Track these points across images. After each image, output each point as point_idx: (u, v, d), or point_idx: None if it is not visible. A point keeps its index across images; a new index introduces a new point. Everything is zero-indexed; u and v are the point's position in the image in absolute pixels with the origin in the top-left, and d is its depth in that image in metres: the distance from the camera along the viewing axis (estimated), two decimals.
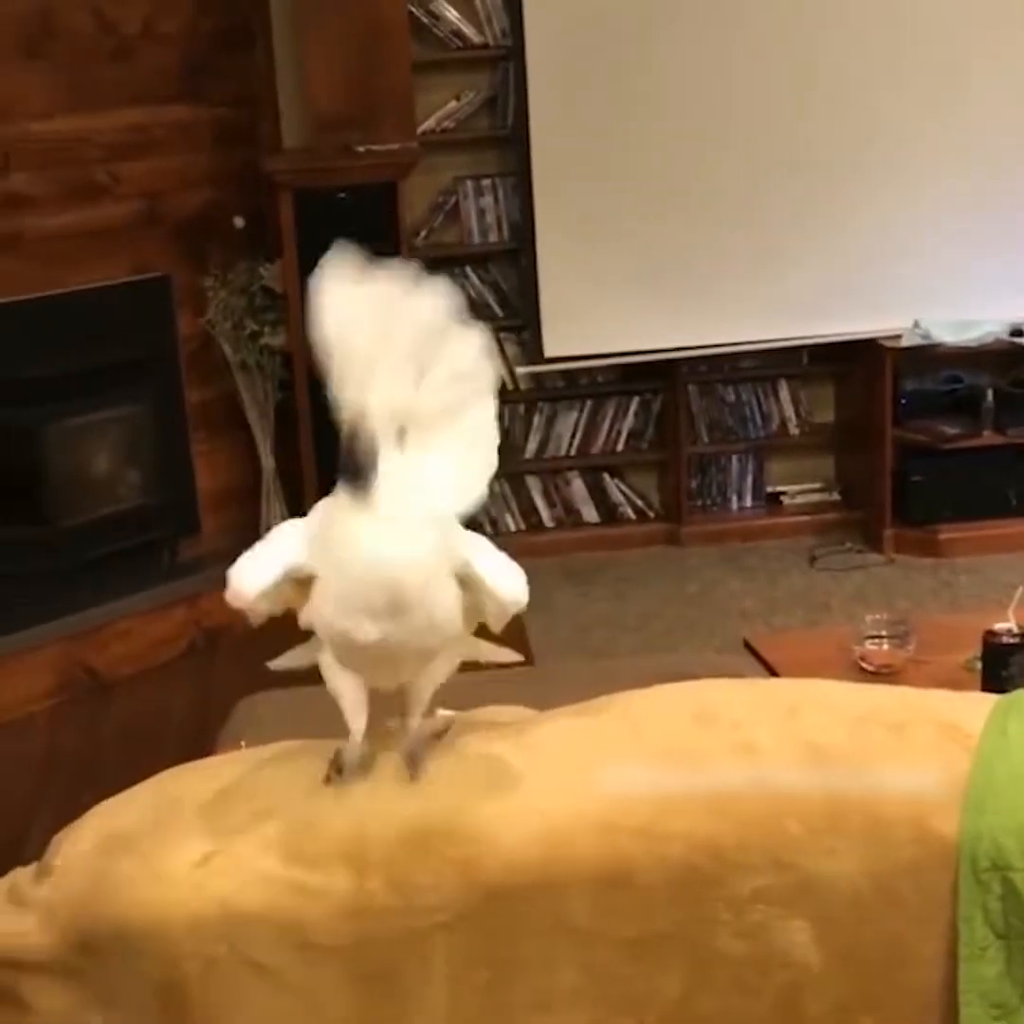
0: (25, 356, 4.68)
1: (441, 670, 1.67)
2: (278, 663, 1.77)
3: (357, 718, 1.64)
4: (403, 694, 1.67)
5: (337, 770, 1.63)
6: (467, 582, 1.61)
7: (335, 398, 1.53)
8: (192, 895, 1.59)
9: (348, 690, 1.64)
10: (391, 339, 1.54)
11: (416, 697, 1.67)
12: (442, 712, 1.77)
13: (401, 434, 1.55)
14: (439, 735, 1.68)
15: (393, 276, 1.56)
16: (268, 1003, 1.60)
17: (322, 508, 1.61)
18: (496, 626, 1.67)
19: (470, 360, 1.60)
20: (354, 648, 1.59)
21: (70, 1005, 1.60)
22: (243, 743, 2.33)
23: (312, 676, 1.71)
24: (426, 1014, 1.61)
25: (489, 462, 1.64)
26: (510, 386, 5.58)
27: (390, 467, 1.53)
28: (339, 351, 1.53)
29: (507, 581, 1.62)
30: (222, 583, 1.62)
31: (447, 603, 1.59)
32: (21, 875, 1.66)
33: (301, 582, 1.60)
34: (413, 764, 1.62)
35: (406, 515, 1.54)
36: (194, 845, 1.62)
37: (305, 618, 1.63)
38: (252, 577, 1.60)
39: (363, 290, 1.54)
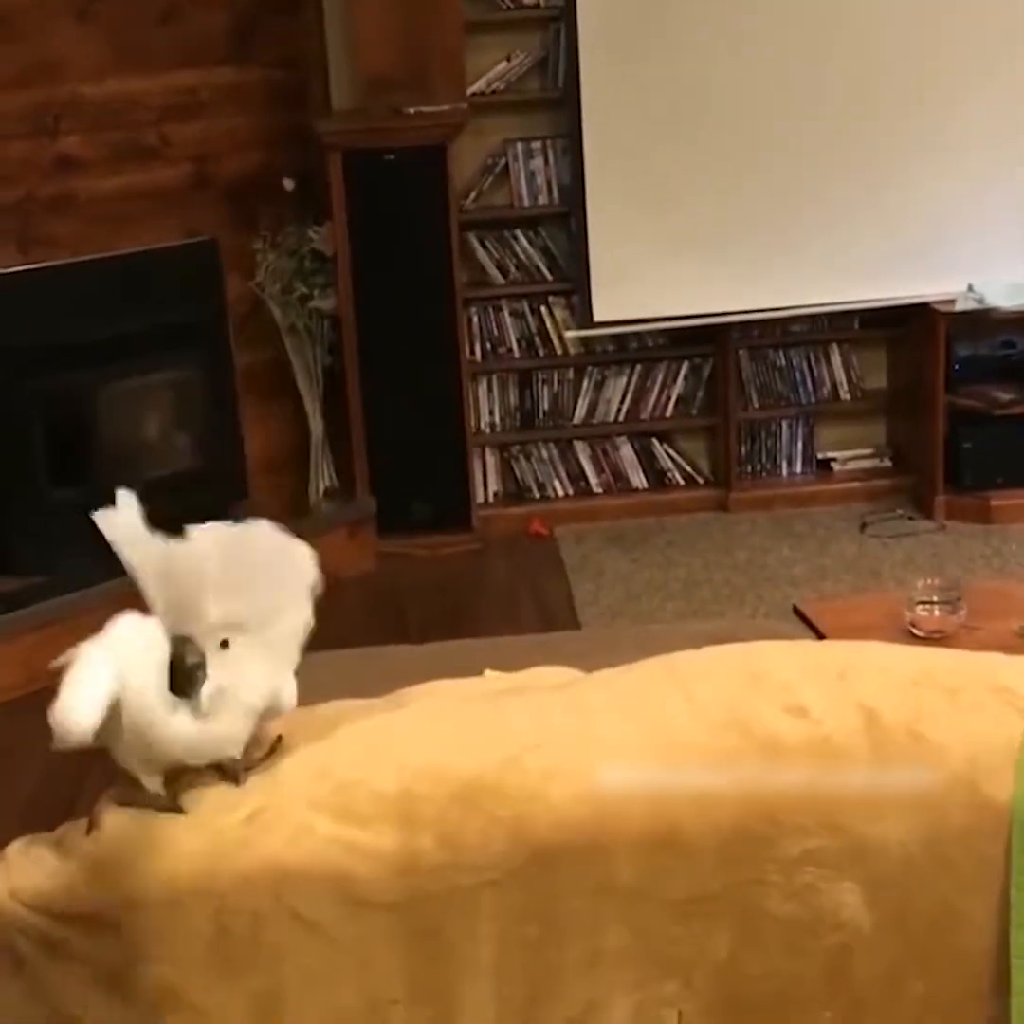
0: (75, 319, 4.69)
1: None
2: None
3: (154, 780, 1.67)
4: None
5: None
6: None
7: (162, 622, 1.60)
8: (240, 851, 1.60)
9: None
10: (219, 569, 1.60)
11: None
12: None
13: (224, 643, 1.62)
14: (273, 749, 1.70)
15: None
16: (315, 959, 1.61)
17: (130, 643, 1.65)
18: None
19: (296, 579, 1.67)
20: None
21: (120, 958, 1.61)
22: None
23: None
24: (473, 970, 1.61)
25: (289, 681, 1.70)
26: (559, 350, 5.57)
27: (212, 672, 1.61)
28: (162, 585, 1.61)
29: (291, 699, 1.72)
30: None
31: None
32: (70, 829, 1.68)
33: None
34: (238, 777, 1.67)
35: (222, 714, 1.62)
36: (243, 801, 1.62)
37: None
38: (84, 715, 1.58)
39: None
